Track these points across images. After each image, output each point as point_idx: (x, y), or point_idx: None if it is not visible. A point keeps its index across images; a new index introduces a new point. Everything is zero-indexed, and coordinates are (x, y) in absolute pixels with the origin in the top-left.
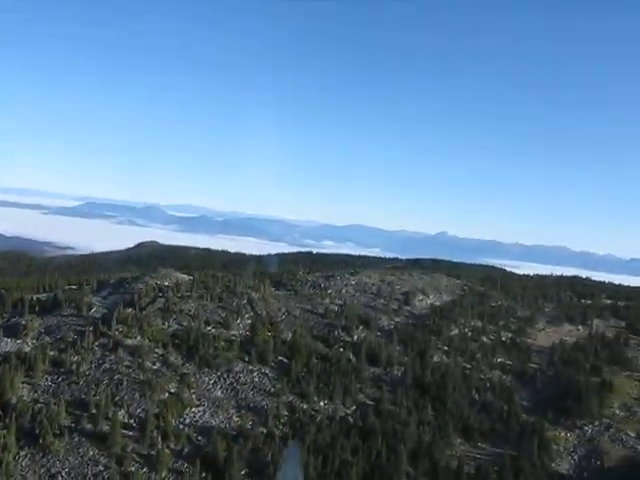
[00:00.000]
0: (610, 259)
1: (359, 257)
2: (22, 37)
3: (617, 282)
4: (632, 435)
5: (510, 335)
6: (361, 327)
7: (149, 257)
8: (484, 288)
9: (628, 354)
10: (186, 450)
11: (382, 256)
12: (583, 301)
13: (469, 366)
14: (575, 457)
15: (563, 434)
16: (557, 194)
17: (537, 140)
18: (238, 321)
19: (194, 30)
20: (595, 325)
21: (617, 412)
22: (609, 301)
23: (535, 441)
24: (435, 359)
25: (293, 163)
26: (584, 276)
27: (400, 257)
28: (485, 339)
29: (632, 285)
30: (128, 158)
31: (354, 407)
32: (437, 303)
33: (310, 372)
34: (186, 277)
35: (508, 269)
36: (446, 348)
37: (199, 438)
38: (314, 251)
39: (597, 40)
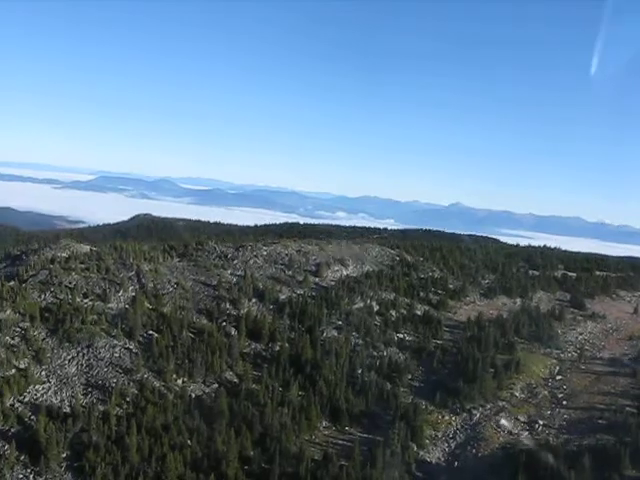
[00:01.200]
0: (625, 230)
1: (346, 227)
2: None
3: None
4: (521, 420)
5: (427, 309)
6: (254, 300)
7: (138, 229)
8: (422, 259)
9: (558, 330)
10: (13, 430)
11: (393, 227)
12: (533, 273)
13: (362, 342)
14: (453, 444)
15: (448, 418)
16: (571, 164)
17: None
18: (120, 293)
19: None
20: (537, 298)
21: (517, 394)
22: (571, 273)
23: (404, 426)
24: (326, 334)
25: (309, 135)
26: (583, 247)
27: (412, 228)
28: (394, 313)
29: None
30: (142, 132)
31: (215, 385)
32: (353, 274)
33: (175, 347)
34: (87, 248)
35: (504, 239)
36: (340, 323)
37: (32, 417)
38: (301, 222)
39: None
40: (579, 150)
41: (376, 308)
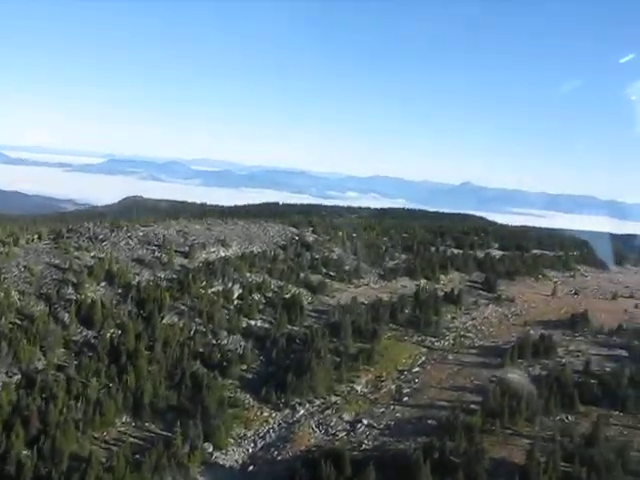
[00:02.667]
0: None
1: (326, 207)
2: None
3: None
4: (345, 419)
5: (300, 292)
6: (103, 284)
7: (122, 212)
8: (327, 238)
9: (447, 315)
10: None
11: (403, 207)
12: (456, 252)
13: (203, 329)
14: (260, 444)
15: (267, 414)
16: (583, 142)
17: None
18: None
19: None
20: (447, 279)
21: (358, 388)
22: (502, 252)
23: (200, 424)
24: (166, 320)
25: (320, 115)
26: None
27: (423, 208)
28: (257, 297)
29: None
30: (153, 114)
31: (19, 377)
32: (233, 255)
33: None
34: None
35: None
36: (184, 308)
37: None
38: (289, 201)
39: None
40: (592, 128)
41: (238, 292)
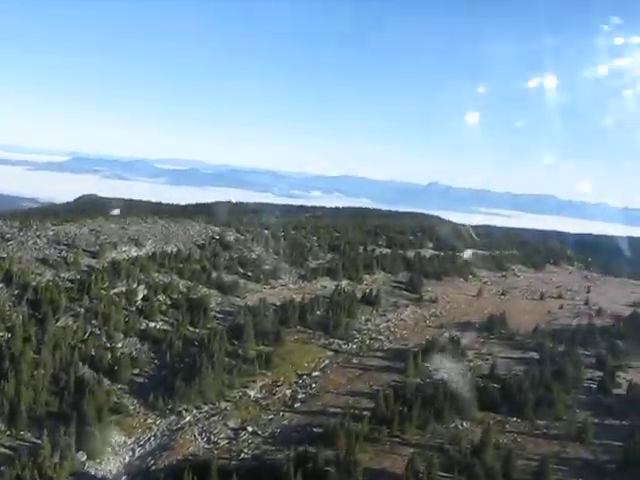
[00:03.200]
0: (603, 208)
1: (280, 206)
2: None
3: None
4: (231, 426)
5: (210, 292)
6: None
7: (73, 209)
8: (250, 237)
9: (360, 317)
10: None
11: (366, 206)
12: (385, 252)
13: (98, 332)
14: (139, 453)
15: (152, 421)
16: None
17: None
18: None
19: None
20: (371, 280)
21: (251, 393)
22: (433, 252)
23: (74, 431)
24: (60, 323)
25: (288, 114)
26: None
27: (383, 207)
28: (162, 298)
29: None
30: (118, 112)
31: None
32: (142, 255)
33: None
34: None
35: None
36: (81, 310)
37: None
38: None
39: None
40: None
41: (143, 293)
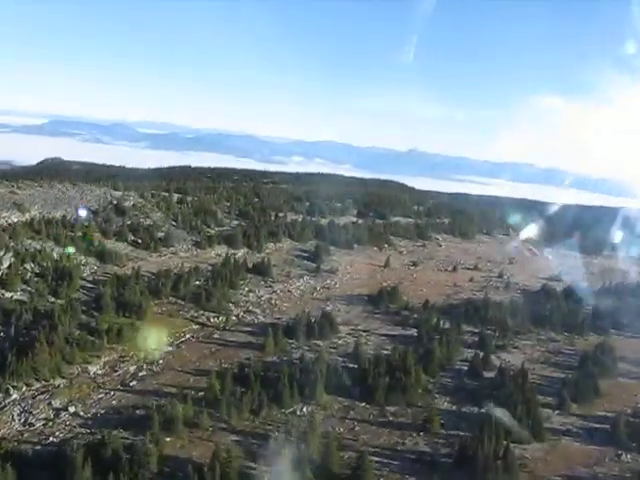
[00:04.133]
0: (577, 177)
1: (239, 170)
2: None
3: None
4: (55, 406)
5: (88, 261)
6: None
7: (37, 171)
8: (149, 204)
9: (244, 288)
10: None
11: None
12: (296, 219)
13: None
14: None
15: None
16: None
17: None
18: None
19: None
20: (274, 248)
21: (93, 370)
22: (353, 219)
23: None
24: None
25: (268, 78)
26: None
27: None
28: (30, 266)
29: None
30: (98, 74)
31: None
32: (24, 220)
33: None
34: None
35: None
36: None
37: None
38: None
39: None
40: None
41: (10, 261)
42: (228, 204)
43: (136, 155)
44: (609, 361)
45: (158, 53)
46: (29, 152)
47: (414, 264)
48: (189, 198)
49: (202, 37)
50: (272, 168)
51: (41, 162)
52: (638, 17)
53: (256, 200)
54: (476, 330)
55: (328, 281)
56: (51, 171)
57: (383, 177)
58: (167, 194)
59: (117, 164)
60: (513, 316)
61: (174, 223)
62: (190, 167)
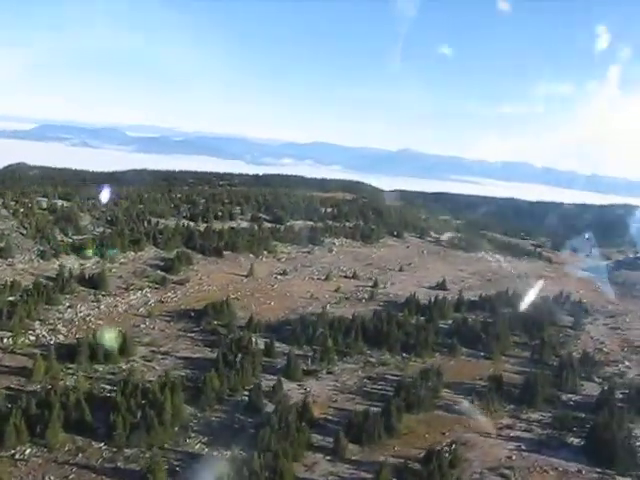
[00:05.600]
0: (571, 175)
1: (198, 173)
2: None
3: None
4: None
5: None
6: None
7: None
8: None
9: (64, 304)
10: None
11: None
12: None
13: None
14: None
15: None
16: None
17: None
18: None
19: None
20: (133, 258)
21: None
22: (245, 224)
23: None
24: None
25: (259, 81)
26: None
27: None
28: None
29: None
30: (89, 77)
31: None
32: None
33: None
34: None
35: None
36: None
37: None
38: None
39: None
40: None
41: None
42: (102, 210)
43: (123, 159)
44: (429, 390)
45: (149, 56)
46: (15, 158)
47: (284, 273)
48: (66, 204)
49: (189, 40)
50: (261, 170)
51: (5, 167)
52: None
53: (141, 206)
54: (299, 352)
55: (169, 294)
56: (5, 177)
57: (356, 178)
58: (28, 200)
59: (87, 168)
60: (347, 334)
61: (23, 232)
62: (146, 170)
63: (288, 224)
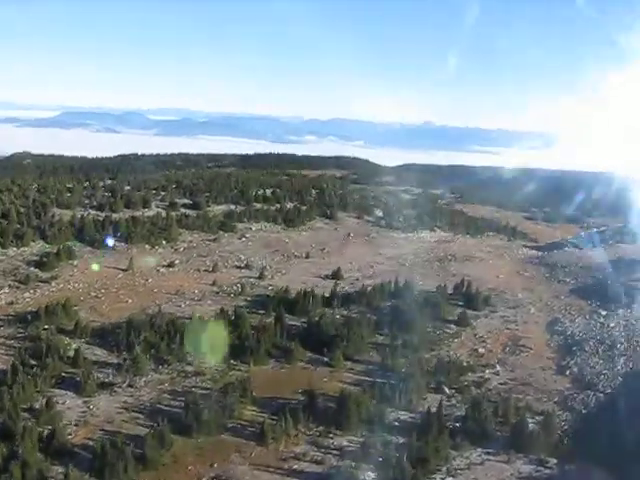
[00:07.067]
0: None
1: (190, 154)
2: None
3: None
4: None
5: None
6: None
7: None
8: None
9: None
10: None
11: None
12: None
13: None
14: None
15: None
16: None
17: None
18: None
19: None
20: (15, 253)
21: None
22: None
23: None
24: None
25: (279, 57)
26: None
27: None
28: None
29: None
30: (108, 63)
31: None
32: None
33: None
34: None
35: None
36: None
37: None
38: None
39: None
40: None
41: None
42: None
43: (145, 142)
44: (223, 408)
45: (171, 40)
46: (44, 145)
47: (170, 265)
48: None
49: (212, 23)
50: (283, 149)
51: (10, 155)
52: None
53: (52, 196)
54: (117, 360)
55: (26, 294)
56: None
57: (377, 154)
58: None
59: (79, 155)
60: (175, 338)
61: None
62: (136, 155)
63: (208, 209)
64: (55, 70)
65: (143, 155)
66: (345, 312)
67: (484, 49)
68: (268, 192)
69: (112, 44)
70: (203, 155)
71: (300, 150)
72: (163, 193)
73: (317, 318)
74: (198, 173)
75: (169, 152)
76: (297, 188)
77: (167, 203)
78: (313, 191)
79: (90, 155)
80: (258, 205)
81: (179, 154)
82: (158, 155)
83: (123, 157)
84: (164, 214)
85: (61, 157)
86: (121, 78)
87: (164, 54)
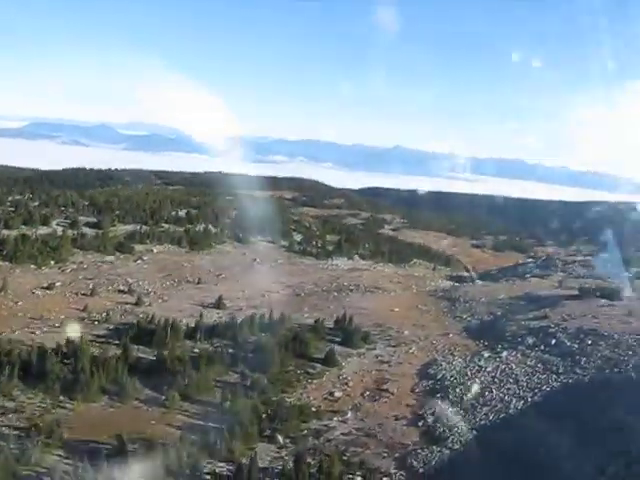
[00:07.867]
0: (563, 171)
1: (137, 170)
2: None
3: None
4: None
5: None
6: None
7: None
8: None
9: None
10: None
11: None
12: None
13: None
14: None
15: None
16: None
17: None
18: None
19: None
20: None
21: None
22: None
23: None
24: None
25: (251, 77)
26: None
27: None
28: None
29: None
30: (82, 74)
31: None
32: None
33: None
34: None
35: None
36: None
37: None
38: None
39: None
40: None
41: None
42: None
43: (111, 157)
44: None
45: (146, 51)
46: (8, 157)
47: (49, 287)
48: None
49: (178, 35)
50: (252, 169)
51: None
52: None
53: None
54: None
55: None
56: None
57: (346, 176)
58: None
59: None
60: (4, 370)
61: None
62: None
63: (112, 229)
64: (25, 80)
65: (92, 169)
66: (206, 345)
67: (453, 80)
68: (182, 213)
69: (87, 55)
70: (152, 172)
71: (268, 171)
72: (71, 210)
73: (166, 352)
74: (114, 191)
75: (120, 167)
76: (217, 210)
77: (70, 221)
78: (233, 213)
79: (45, 168)
80: (166, 226)
81: (128, 170)
82: (109, 170)
83: (73, 170)
84: (60, 232)
85: (19, 169)
86: (94, 89)
87: (138, 66)
